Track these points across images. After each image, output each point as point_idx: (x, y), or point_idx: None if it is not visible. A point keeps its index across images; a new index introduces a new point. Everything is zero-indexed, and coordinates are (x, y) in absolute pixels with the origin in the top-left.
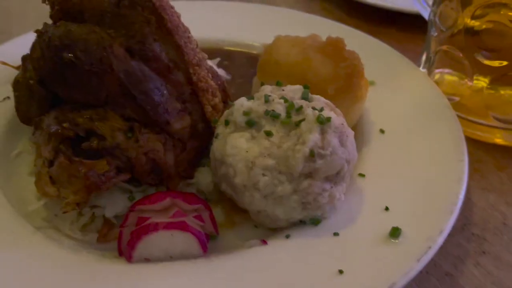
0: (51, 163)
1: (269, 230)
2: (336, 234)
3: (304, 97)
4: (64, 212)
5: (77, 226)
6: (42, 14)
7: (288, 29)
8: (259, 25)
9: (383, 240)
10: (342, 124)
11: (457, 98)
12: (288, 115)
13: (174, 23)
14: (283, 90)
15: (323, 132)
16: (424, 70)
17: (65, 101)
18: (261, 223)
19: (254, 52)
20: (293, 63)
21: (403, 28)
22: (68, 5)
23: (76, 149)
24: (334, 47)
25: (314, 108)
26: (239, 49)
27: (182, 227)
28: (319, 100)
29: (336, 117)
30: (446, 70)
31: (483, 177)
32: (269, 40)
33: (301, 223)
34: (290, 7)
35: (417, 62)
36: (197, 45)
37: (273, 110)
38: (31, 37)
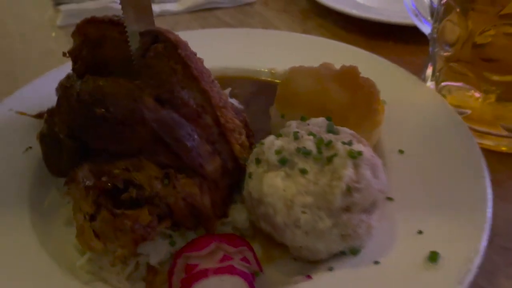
0: (92, 217)
1: (308, 262)
2: (376, 262)
3: (330, 130)
4: (113, 266)
5: (123, 276)
6: (44, 55)
7: (291, 52)
8: (263, 50)
9: (423, 265)
10: (372, 155)
11: (468, 111)
12: (319, 150)
13: (198, 69)
14: (308, 124)
15: (356, 166)
16: (431, 84)
17: (98, 152)
18: (301, 257)
19: (263, 78)
20: (311, 93)
21: (401, 41)
22: (92, 58)
23: (116, 200)
24: (349, 75)
25: (343, 142)
26: (245, 76)
27: (231, 270)
28: (345, 132)
29: (366, 149)
30: (453, 84)
31: (499, 187)
32: (274, 64)
33: (341, 253)
34: (288, 26)
35: (420, 75)
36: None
37: (304, 147)
38: (40, 83)
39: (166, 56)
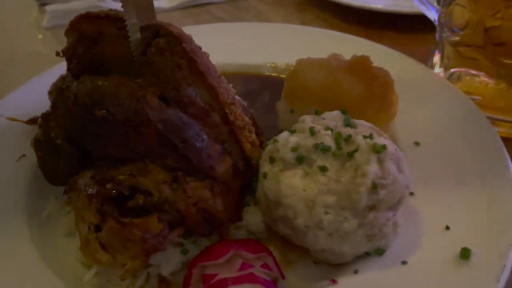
0: (97, 228)
1: (330, 265)
2: (404, 262)
3: (347, 124)
4: (123, 279)
5: None
6: (32, 58)
7: (292, 45)
8: (261, 44)
9: (454, 263)
10: (396, 149)
11: (478, 98)
12: (338, 146)
13: (205, 64)
14: (323, 118)
15: (380, 161)
16: (440, 71)
17: (99, 157)
18: (324, 260)
19: (264, 72)
20: (323, 86)
21: (401, 30)
22: (88, 57)
23: (122, 208)
24: (362, 66)
25: (364, 136)
26: (245, 71)
27: (252, 279)
28: (363, 125)
29: (388, 143)
30: (463, 70)
31: None
32: (275, 58)
33: (366, 254)
34: (284, 19)
35: (425, 64)
36: None
37: (322, 143)
38: (30, 87)
39: (169, 51)
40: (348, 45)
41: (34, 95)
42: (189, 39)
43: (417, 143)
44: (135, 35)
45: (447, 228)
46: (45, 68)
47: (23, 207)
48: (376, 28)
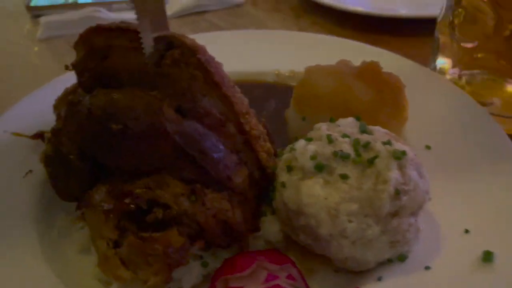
0: (116, 243)
1: (351, 272)
2: (427, 267)
3: (363, 130)
4: None
5: None
6: (28, 71)
7: (294, 52)
8: (264, 51)
9: (477, 266)
10: (414, 154)
11: (494, 101)
12: (357, 153)
13: (220, 74)
14: (339, 126)
15: (401, 167)
16: (452, 73)
17: (113, 172)
18: (346, 268)
19: (270, 80)
20: (333, 93)
21: (398, 34)
22: (100, 70)
23: (140, 223)
24: (372, 71)
25: (383, 142)
26: (249, 79)
27: None
28: (379, 131)
29: (408, 149)
30: (477, 73)
31: None
32: (278, 66)
33: (388, 261)
34: (281, 25)
35: (426, 66)
36: None
37: (341, 151)
38: (32, 101)
39: (184, 62)
40: (350, 51)
41: (36, 109)
42: (203, 50)
43: (428, 147)
44: (149, 47)
45: (467, 231)
46: (42, 80)
47: (34, 225)
48: (372, 33)
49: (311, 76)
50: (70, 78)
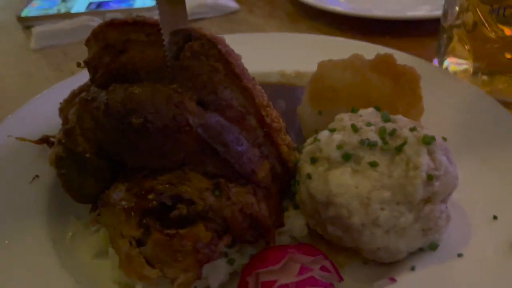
0: (139, 242)
1: (381, 264)
2: (460, 255)
3: (386, 119)
4: None
5: None
6: (25, 79)
7: (298, 53)
8: (267, 53)
9: (510, 251)
10: (442, 140)
11: None
12: (384, 140)
13: (240, 66)
14: (361, 116)
15: (431, 153)
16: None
17: (133, 169)
18: (376, 259)
19: (275, 81)
20: (351, 85)
21: (397, 36)
22: (116, 66)
23: (163, 220)
24: (387, 63)
25: (411, 129)
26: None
27: (313, 283)
28: (402, 120)
29: (436, 135)
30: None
31: None
32: (282, 66)
33: (419, 250)
34: (279, 31)
35: None
36: None
37: (367, 139)
38: (32, 107)
39: (204, 54)
40: (357, 51)
41: (38, 114)
42: (223, 41)
43: (444, 138)
44: (168, 40)
45: (495, 217)
46: (39, 89)
47: (45, 231)
48: (369, 35)
49: (325, 71)
50: (70, 84)
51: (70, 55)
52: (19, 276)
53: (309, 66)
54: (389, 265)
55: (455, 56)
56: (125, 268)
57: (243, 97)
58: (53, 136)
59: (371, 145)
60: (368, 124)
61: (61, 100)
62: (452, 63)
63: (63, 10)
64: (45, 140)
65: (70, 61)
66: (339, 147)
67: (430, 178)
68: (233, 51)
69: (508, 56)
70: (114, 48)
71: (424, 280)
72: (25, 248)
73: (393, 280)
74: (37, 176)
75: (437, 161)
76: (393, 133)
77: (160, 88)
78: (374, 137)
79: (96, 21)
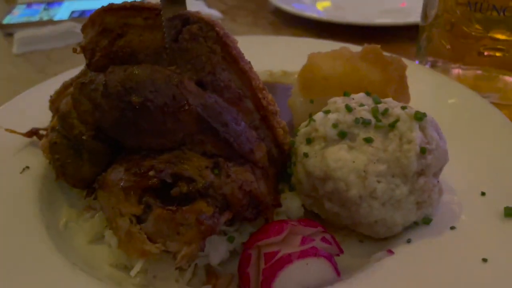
0: (139, 220)
1: (376, 243)
2: (453, 228)
3: (377, 102)
4: (178, 268)
5: (183, 283)
6: (8, 82)
7: (283, 54)
8: (252, 55)
9: (501, 222)
10: (432, 117)
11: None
12: (377, 119)
13: (237, 49)
14: (353, 99)
15: (422, 128)
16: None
17: (131, 150)
18: (373, 234)
19: (263, 80)
20: (342, 74)
21: (377, 42)
22: (113, 49)
23: (163, 198)
24: (374, 54)
25: (402, 107)
26: None
27: (315, 253)
28: (392, 102)
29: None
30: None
31: None
32: (268, 66)
33: (413, 225)
34: None
35: None
36: None
37: (361, 118)
38: (18, 102)
39: (202, 36)
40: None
41: (24, 110)
42: (220, 25)
43: None
44: (166, 24)
45: (483, 194)
46: (23, 90)
47: (39, 219)
48: (350, 41)
49: (316, 61)
50: (59, 82)
51: (54, 59)
52: (14, 261)
53: (295, 66)
54: (385, 242)
55: (435, 55)
56: (125, 246)
57: (240, 80)
58: (43, 129)
59: (365, 123)
60: (361, 105)
61: (49, 96)
62: (432, 63)
63: (45, 18)
64: (34, 133)
65: (54, 65)
66: (335, 125)
67: (423, 151)
68: (230, 34)
69: (485, 52)
70: (111, 32)
71: (421, 251)
72: (18, 235)
73: (391, 252)
74: (27, 167)
75: (428, 136)
76: (385, 112)
77: (159, 69)
78: (367, 116)
79: (79, 28)
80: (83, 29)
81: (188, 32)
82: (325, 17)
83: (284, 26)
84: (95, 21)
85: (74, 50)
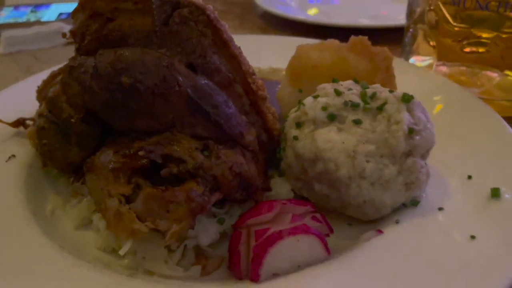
0: (128, 200)
1: (364, 225)
2: (441, 208)
3: (365, 87)
4: (167, 246)
5: (172, 263)
6: None
7: (270, 53)
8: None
9: (490, 202)
10: (419, 101)
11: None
12: (366, 102)
13: (228, 34)
14: (342, 85)
15: (410, 110)
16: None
17: (120, 133)
18: (362, 216)
19: None
20: (331, 64)
21: None
22: (104, 32)
23: (153, 180)
24: (362, 45)
25: (390, 91)
26: None
27: (306, 230)
28: (380, 87)
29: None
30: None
31: None
32: (256, 64)
33: (402, 207)
34: None
35: None
36: None
37: (350, 101)
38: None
39: (193, 20)
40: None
41: (10, 102)
42: (211, 9)
43: None
44: (156, 8)
45: (470, 177)
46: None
47: (25, 205)
48: None
49: (304, 52)
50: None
51: (41, 59)
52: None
53: (282, 63)
54: (374, 224)
55: (420, 54)
56: (114, 227)
57: (230, 64)
58: (30, 119)
59: (354, 106)
60: (350, 89)
61: (35, 91)
62: (417, 61)
63: (33, 19)
64: (21, 123)
65: (41, 65)
66: (324, 108)
67: (410, 131)
68: (220, 19)
69: (467, 49)
70: (102, 16)
71: (409, 231)
72: (4, 221)
73: (380, 232)
74: (13, 155)
75: (416, 117)
76: (373, 95)
77: (149, 51)
78: (356, 99)
79: (66, 29)
80: (73, 15)
81: (179, 16)
82: (306, 18)
83: (271, 28)
84: (85, 5)
85: (64, 35)
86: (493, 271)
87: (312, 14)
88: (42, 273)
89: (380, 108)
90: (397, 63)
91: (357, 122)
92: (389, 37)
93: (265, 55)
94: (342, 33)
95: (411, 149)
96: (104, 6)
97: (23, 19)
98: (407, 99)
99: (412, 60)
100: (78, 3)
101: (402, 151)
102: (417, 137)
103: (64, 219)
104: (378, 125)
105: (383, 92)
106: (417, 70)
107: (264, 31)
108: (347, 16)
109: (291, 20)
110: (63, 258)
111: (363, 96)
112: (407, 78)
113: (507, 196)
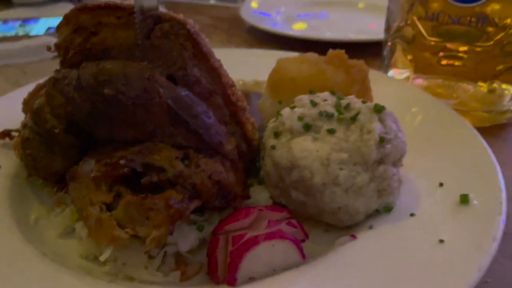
0: (109, 208)
1: (340, 232)
2: (412, 214)
3: (340, 99)
4: (147, 252)
5: (152, 269)
6: None
7: (253, 66)
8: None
9: (459, 208)
10: (391, 111)
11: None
12: (340, 112)
13: (208, 47)
14: (318, 96)
15: (382, 120)
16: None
17: (103, 143)
18: (337, 222)
19: None
20: (309, 76)
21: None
22: (87, 46)
23: (133, 188)
24: (339, 58)
25: (363, 102)
26: None
27: (281, 235)
28: (354, 98)
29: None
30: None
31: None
32: (240, 76)
33: (376, 213)
34: None
35: None
36: None
37: (325, 111)
38: None
39: (174, 34)
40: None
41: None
42: (192, 23)
43: None
44: (138, 23)
45: (441, 184)
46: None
47: (9, 213)
48: None
49: (284, 64)
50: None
51: (29, 73)
52: None
53: (266, 76)
54: (349, 230)
55: (398, 67)
56: (95, 234)
57: (210, 76)
58: (15, 130)
59: (329, 116)
60: (325, 100)
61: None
62: (396, 74)
63: (21, 33)
64: (7, 134)
65: (29, 78)
66: (300, 118)
67: (381, 140)
68: (200, 33)
69: (443, 62)
70: (85, 30)
71: (382, 236)
72: None
73: (354, 237)
74: None
75: (387, 127)
76: (347, 106)
77: (131, 64)
78: (331, 110)
79: (54, 42)
80: (58, 29)
81: (160, 30)
82: (297, 34)
83: (256, 42)
84: (69, 20)
85: (49, 49)
86: (462, 271)
87: (298, 29)
88: (24, 280)
89: (354, 118)
90: (376, 76)
91: (331, 132)
92: (375, 50)
93: (250, 68)
94: (329, 47)
95: (383, 157)
96: (88, 20)
97: (11, 33)
98: (378, 109)
99: (391, 73)
100: (63, 18)
101: (374, 159)
102: (388, 146)
103: (48, 227)
104: (351, 134)
105: (356, 103)
106: (394, 83)
107: (250, 45)
108: (335, 30)
109: (277, 34)
110: (45, 265)
111: (337, 106)
112: (384, 90)
113: (475, 202)
